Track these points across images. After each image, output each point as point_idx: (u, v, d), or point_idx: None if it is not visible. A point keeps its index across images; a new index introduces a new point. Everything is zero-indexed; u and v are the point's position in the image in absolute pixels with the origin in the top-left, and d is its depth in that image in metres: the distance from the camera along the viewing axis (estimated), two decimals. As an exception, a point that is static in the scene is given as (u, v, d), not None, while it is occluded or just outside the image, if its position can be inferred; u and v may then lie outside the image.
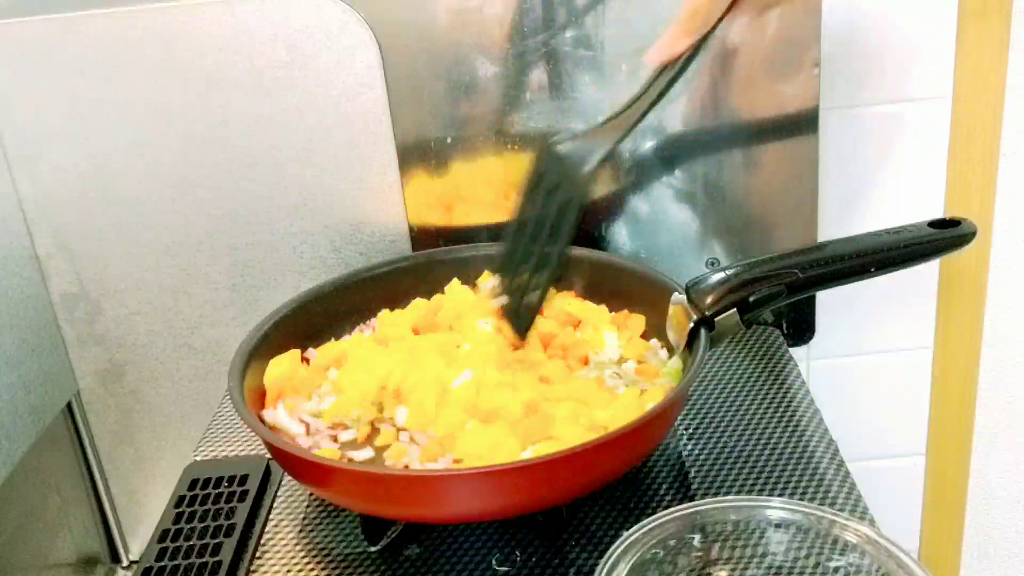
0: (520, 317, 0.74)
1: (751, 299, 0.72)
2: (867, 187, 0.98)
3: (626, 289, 0.85)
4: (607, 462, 0.66)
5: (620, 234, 0.96)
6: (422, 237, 0.95)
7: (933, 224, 0.76)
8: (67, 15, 0.87)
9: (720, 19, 0.63)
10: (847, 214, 0.99)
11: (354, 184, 0.93)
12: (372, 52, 0.88)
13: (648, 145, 0.93)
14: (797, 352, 1.00)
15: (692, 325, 0.73)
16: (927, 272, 1.02)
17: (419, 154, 0.93)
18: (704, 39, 0.64)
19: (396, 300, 0.88)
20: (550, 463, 0.62)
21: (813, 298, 0.99)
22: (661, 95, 0.66)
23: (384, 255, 0.94)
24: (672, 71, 0.65)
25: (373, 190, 0.94)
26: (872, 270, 0.74)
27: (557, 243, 0.69)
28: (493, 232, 0.95)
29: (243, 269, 0.96)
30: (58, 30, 0.87)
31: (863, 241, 0.75)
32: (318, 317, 0.85)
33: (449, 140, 0.92)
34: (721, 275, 0.74)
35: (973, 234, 0.77)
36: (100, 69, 0.89)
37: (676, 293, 0.76)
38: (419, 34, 0.89)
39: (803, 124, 0.92)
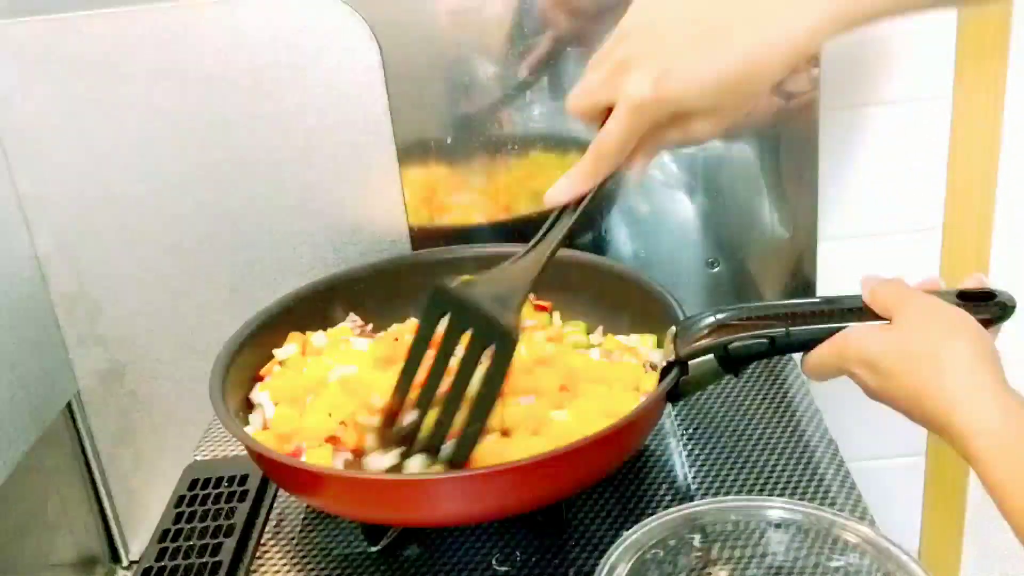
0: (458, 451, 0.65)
1: (730, 348, 0.67)
2: (867, 187, 0.98)
3: (621, 297, 0.85)
4: (586, 463, 0.66)
5: (620, 234, 0.96)
6: (422, 237, 0.95)
7: (963, 295, 0.65)
8: (67, 15, 0.87)
9: (623, 164, 0.63)
10: (847, 214, 0.99)
11: (354, 184, 0.93)
12: (372, 52, 0.88)
13: (648, 145, 0.93)
14: (797, 353, 0.99)
15: (664, 365, 0.71)
16: (926, 271, 1.02)
17: (419, 154, 0.93)
18: (607, 180, 0.64)
19: (387, 301, 0.89)
20: (534, 465, 0.62)
21: (813, 298, 0.99)
22: (568, 235, 0.65)
23: (384, 255, 0.94)
24: (576, 210, 0.64)
25: (373, 190, 0.93)
26: None
27: (490, 390, 0.64)
28: (493, 232, 0.95)
29: (243, 269, 0.96)
30: (58, 30, 0.87)
31: None
32: (302, 319, 0.86)
33: (449, 140, 0.92)
34: (711, 318, 0.70)
35: (1012, 309, 0.65)
36: (100, 69, 0.89)
37: (673, 327, 0.73)
38: (419, 34, 0.88)
39: (803, 124, 0.92)
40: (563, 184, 0.64)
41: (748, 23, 0.58)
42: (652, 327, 0.81)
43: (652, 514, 0.63)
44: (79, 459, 1.02)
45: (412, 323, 0.88)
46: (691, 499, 0.74)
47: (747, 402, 0.86)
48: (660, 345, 0.81)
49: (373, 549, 0.73)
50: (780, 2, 0.57)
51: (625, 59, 0.60)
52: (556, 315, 0.87)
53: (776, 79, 0.59)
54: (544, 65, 0.87)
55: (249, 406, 0.78)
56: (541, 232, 0.66)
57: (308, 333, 0.84)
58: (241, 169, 0.92)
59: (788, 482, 0.75)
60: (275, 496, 0.80)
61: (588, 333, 0.86)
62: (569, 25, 0.86)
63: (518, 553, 0.71)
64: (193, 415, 1.00)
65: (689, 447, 0.81)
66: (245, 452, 0.70)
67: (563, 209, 0.65)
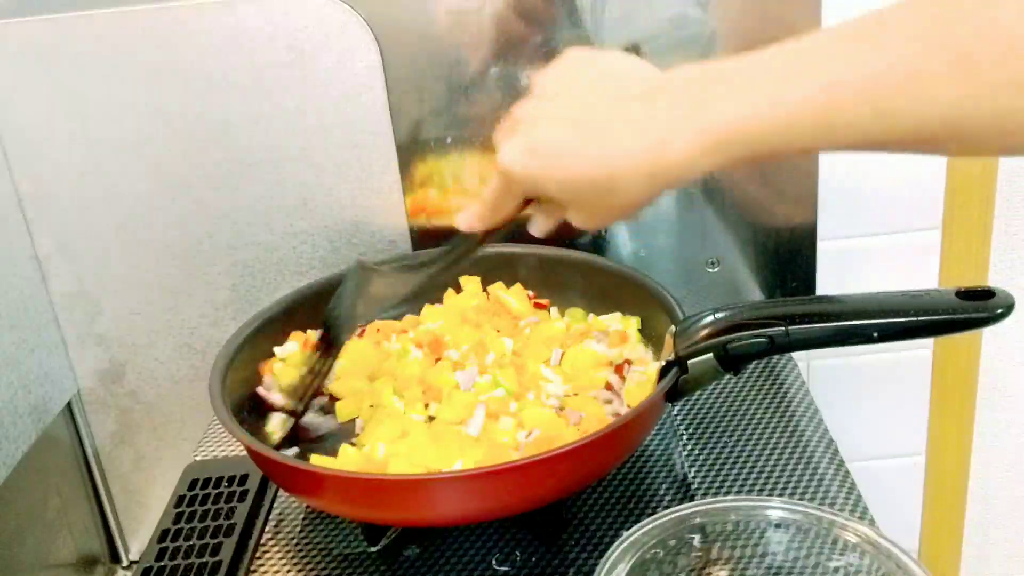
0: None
1: (729, 347, 0.67)
2: (867, 187, 0.98)
3: (621, 296, 0.85)
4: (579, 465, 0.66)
5: (620, 234, 0.96)
6: (422, 237, 0.95)
7: (961, 294, 0.64)
8: (67, 15, 0.87)
9: (516, 215, 0.63)
10: (847, 214, 0.99)
11: (354, 184, 0.93)
12: (372, 52, 0.88)
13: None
14: (797, 352, 0.99)
15: (664, 364, 0.71)
16: (926, 271, 1.02)
17: (419, 154, 0.93)
18: (506, 226, 0.65)
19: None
20: (535, 465, 0.62)
21: (813, 298, 0.99)
22: (457, 262, 0.69)
23: (384, 255, 0.94)
24: (472, 242, 0.67)
25: (373, 190, 0.94)
26: (875, 336, 0.65)
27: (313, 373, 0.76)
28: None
29: (243, 269, 0.96)
30: (58, 30, 0.87)
31: (873, 302, 0.67)
32: (302, 319, 0.85)
33: (449, 140, 0.92)
34: (711, 318, 0.70)
35: (1010, 308, 0.64)
36: (100, 69, 0.89)
37: (673, 326, 0.73)
38: (419, 34, 0.89)
39: (803, 124, 0.92)
40: (462, 215, 0.65)
41: (624, 129, 0.53)
42: (652, 327, 0.81)
43: (652, 514, 0.63)
44: (79, 459, 1.02)
45: (411, 320, 0.88)
46: (691, 499, 0.74)
47: (747, 402, 0.86)
48: (643, 334, 0.82)
49: (373, 549, 0.73)
50: (656, 120, 0.52)
51: (519, 118, 0.58)
52: (554, 310, 0.87)
53: (643, 196, 0.55)
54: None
55: (251, 405, 0.78)
56: (441, 250, 0.71)
57: (308, 332, 0.85)
58: (241, 169, 0.92)
59: (788, 482, 0.75)
60: (275, 496, 0.80)
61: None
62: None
63: (518, 553, 0.71)
64: (193, 415, 1.00)
65: (689, 447, 0.81)
66: (245, 452, 0.70)
67: (465, 237, 0.67)
